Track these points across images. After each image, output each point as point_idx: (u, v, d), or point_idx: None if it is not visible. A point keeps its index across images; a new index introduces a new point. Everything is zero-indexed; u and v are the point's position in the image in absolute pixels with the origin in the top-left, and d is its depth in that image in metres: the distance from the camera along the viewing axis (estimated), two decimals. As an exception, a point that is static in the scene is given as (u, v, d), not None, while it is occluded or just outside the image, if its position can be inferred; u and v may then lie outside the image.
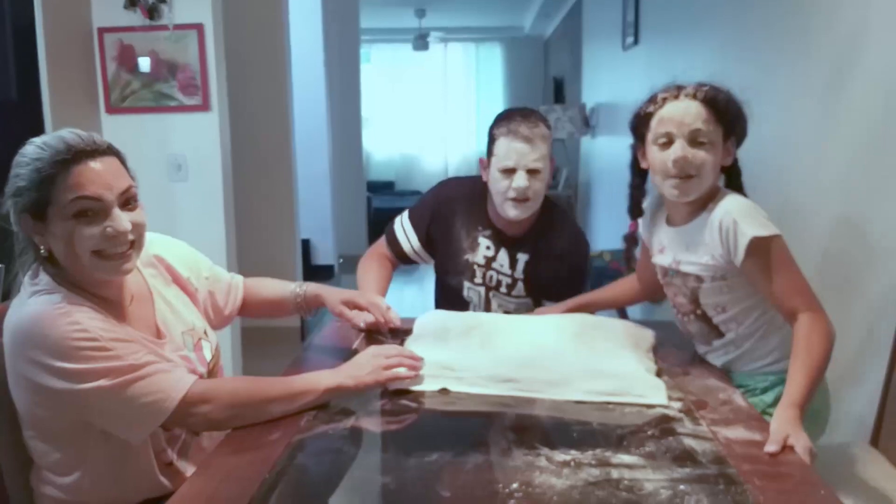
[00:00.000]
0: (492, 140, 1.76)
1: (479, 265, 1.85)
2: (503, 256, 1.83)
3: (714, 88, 1.36)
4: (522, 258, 1.82)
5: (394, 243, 1.92)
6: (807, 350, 1.26)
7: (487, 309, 1.86)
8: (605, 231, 4.99)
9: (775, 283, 1.30)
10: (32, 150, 1.14)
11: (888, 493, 1.35)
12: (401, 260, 1.93)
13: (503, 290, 1.85)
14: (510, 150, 1.70)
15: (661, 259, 1.49)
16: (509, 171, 1.70)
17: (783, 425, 1.13)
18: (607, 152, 5.18)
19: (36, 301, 1.13)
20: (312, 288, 1.58)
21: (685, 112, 1.34)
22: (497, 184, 1.73)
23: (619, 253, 3.75)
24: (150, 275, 1.34)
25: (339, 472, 1.06)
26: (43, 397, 1.13)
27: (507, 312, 1.85)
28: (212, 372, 1.36)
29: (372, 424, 1.22)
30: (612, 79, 4.92)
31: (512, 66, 9.61)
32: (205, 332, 1.39)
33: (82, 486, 1.20)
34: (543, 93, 9.04)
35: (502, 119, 1.76)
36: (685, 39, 3.24)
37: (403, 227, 1.91)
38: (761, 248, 1.28)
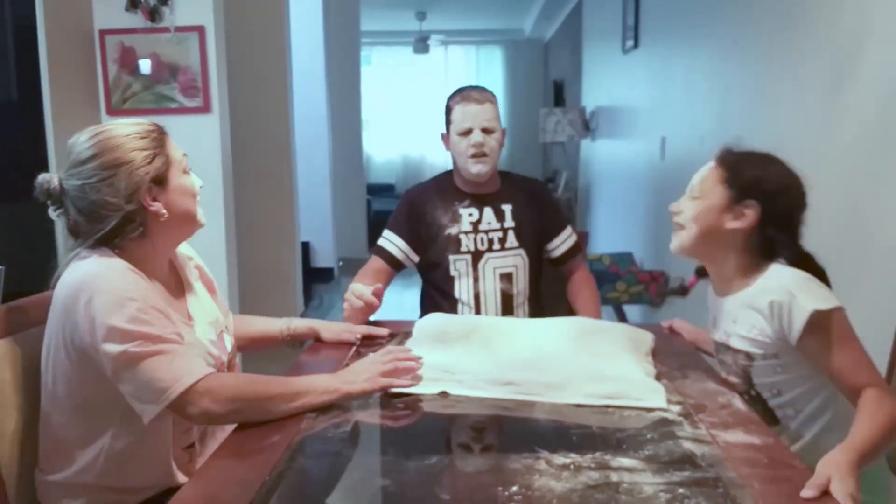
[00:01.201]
0: (448, 111, 1.97)
1: (464, 233, 1.96)
2: (489, 214, 1.98)
3: (730, 151, 1.36)
4: (507, 207, 1.99)
5: (381, 252, 2.03)
6: (875, 409, 1.15)
7: (475, 278, 1.95)
8: (605, 234, 5.00)
9: (837, 359, 1.21)
10: (127, 129, 1.25)
11: None
12: (392, 266, 2.02)
13: (496, 247, 1.96)
14: (465, 113, 1.92)
15: (715, 334, 1.41)
16: (467, 132, 1.91)
17: (828, 466, 1.02)
18: (607, 155, 5.19)
19: (97, 261, 1.20)
20: (303, 324, 1.66)
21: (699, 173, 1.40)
22: (458, 146, 1.93)
23: (618, 256, 3.76)
24: (184, 265, 1.43)
25: (339, 474, 1.06)
26: (80, 355, 1.17)
27: (503, 275, 1.96)
28: (230, 363, 1.41)
29: (371, 427, 1.23)
30: (612, 82, 4.93)
31: (512, 69, 9.64)
32: (226, 327, 1.46)
33: (94, 466, 1.22)
34: (543, 96, 9.06)
35: (455, 93, 1.99)
36: (685, 43, 3.25)
37: (386, 237, 2.04)
38: (822, 323, 1.21)
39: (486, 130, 1.91)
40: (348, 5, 6.21)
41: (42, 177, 1.26)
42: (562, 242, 2.04)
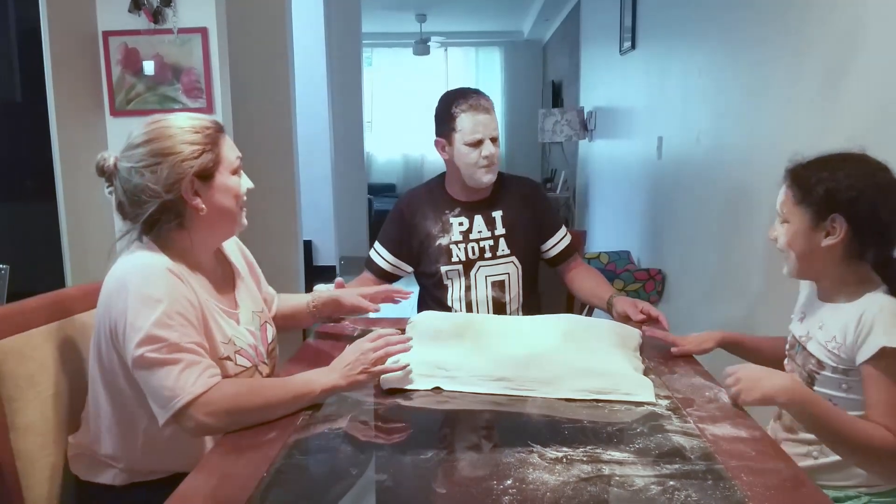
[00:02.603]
0: (451, 118, 1.91)
1: (455, 242, 1.95)
2: (479, 222, 1.96)
3: (796, 168, 1.31)
4: (497, 214, 1.97)
5: (370, 264, 2.05)
6: (864, 425, 1.17)
7: (468, 287, 1.95)
8: (603, 233, 5.01)
9: (879, 394, 1.19)
10: (183, 122, 1.28)
11: None
12: (380, 277, 2.04)
13: (487, 255, 1.95)
14: (476, 123, 1.87)
15: (797, 328, 1.40)
16: (478, 143, 1.87)
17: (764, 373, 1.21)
18: (605, 155, 5.21)
19: (140, 256, 1.24)
20: (325, 295, 1.67)
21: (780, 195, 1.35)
22: (466, 157, 1.89)
23: (615, 255, 3.78)
24: (233, 257, 1.48)
25: (336, 470, 1.08)
26: (116, 346, 1.21)
27: (495, 283, 1.95)
28: (270, 354, 1.45)
29: (367, 423, 1.24)
30: (610, 83, 4.95)
31: (511, 70, 9.64)
32: (270, 318, 1.50)
33: (132, 451, 1.28)
34: (542, 96, 9.07)
35: (458, 98, 1.91)
36: (681, 44, 3.27)
37: (376, 250, 2.05)
38: (887, 358, 1.19)
39: (493, 140, 1.89)
40: (349, 7, 6.23)
41: (101, 154, 1.30)
42: (557, 242, 2.03)
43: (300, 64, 4.40)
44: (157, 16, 2.73)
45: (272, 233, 4.05)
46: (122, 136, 3.06)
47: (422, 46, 8.47)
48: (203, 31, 2.75)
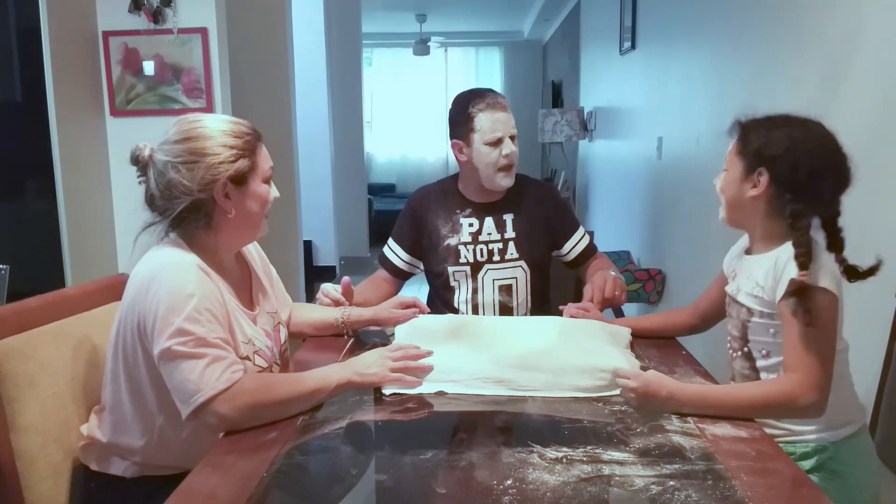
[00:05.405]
0: (468, 119, 1.85)
1: (464, 244, 1.92)
2: (489, 224, 1.92)
3: (744, 121, 1.39)
4: (509, 217, 1.93)
5: (384, 261, 2.03)
6: (756, 390, 1.25)
7: (475, 289, 1.93)
8: (603, 233, 5.02)
9: (791, 332, 1.23)
10: (224, 125, 1.31)
11: (881, 492, 1.34)
12: (396, 275, 2.03)
13: (496, 258, 1.92)
14: (495, 121, 1.83)
15: (729, 286, 1.45)
16: (498, 142, 1.82)
17: (655, 385, 1.23)
18: (605, 155, 5.21)
19: (171, 252, 1.27)
20: (356, 312, 1.67)
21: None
22: (486, 157, 1.84)
23: (615, 255, 3.79)
24: (251, 259, 1.51)
25: (336, 470, 1.08)
26: (143, 341, 1.22)
27: (502, 287, 1.92)
28: (283, 355, 1.47)
29: (367, 423, 1.25)
30: (610, 83, 4.95)
31: (511, 71, 9.65)
32: (282, 320, 1.52)
33: (148, 446, 1.29)
34: (542, 97, 9.07)
35: (475, 97, 1.87)
36: (681, 44, 3.27)
37: (390, 246, 2.03)
38: (802, 295, 1.22)
39: (512, 138, 1.85)
40: (349, 7, 6.23)
41: (137, 144, 1.31)
42: (575, 244, 1.99)
43: (300, 64, 4.41)
44: (157, 16, 2.73)
45: (272, 233, 4.01)
46: (122, 136, 3.08)
47: (422, 47, 8.47)
48: (203, 32, 2.75)
